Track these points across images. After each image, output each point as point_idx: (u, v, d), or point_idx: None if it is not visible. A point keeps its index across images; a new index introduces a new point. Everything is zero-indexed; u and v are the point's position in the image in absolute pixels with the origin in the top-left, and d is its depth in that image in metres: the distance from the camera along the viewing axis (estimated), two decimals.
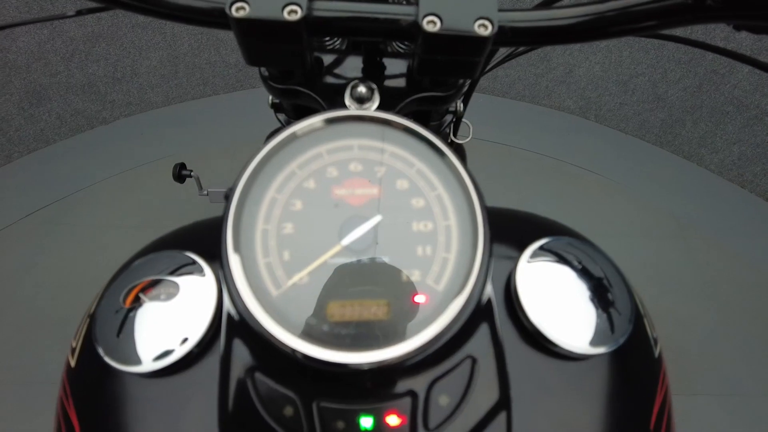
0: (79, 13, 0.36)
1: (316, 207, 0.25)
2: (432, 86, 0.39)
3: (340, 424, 0.23)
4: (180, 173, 1.35)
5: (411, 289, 0.24)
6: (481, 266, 0.24)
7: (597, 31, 0.33)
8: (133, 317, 0.29)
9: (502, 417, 0.25)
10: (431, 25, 0.29)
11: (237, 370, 0.25)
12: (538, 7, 0.37)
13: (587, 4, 0.32)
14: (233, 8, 0.29)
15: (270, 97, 0.49)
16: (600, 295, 0.30)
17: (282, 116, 0.52)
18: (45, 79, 1.81)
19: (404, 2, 0.43)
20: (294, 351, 0.22)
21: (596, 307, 0.30)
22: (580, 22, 0.31)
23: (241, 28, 0.30)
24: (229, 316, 0.27)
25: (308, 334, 0.23)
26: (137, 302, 0.29)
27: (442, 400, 0.24)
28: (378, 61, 0.40)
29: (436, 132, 0.48)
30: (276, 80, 0.40)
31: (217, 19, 0.33)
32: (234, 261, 0.23)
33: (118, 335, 0.29)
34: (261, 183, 0.25)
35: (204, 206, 1.47)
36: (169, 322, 0.28)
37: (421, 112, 0.46)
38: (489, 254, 0.24)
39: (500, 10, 0.31)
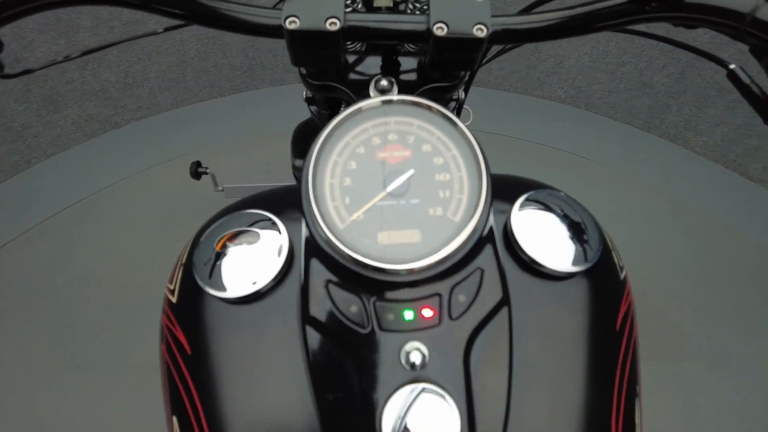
0: (167, 29, 0.46)
1: (366, 165, 0.35)
2: (439, 78, 0.48)
3: (390, 316, 0.33)
4: (196, 171, 1.45)
5: (436, 223, 0.34)
6: (485, 203, 0.34)
7: (569, 30, 0.43)
8: (224, 257, 0.38)
9: (504, 311, 0.35)
10: (440, 30, 0.39)
11: (315, 283, 0.35)
12: (521, 12, 0.47)
13: (560, 9, 0.42)
14: (287, 22, 0.39)
15: (304, 92, 0.59)
16: (575, 230, 0.40)
17: (314, 108, 0.61)
18: (61, 86, 1.91)
19: (417, 12, 0.53)
20: (357, 263, 0.32)
21: (573, 239, 0.40)
22: (556, 23, 0.41)
23: (292, 38, 0.40)
24: (308, 243, 0.36)
25: (365, 254, 0.33)
26: (226, 247, 0.39)
27: (461, 298, 0.34)
28: (394, 59, 0.50)
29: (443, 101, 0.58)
30: (314, 77, 0.49)
31: (272, 30, 0.42)
32: (314, 205, 0.33)
33: (211, 272, 0.38)
34: (326, 150, 0.35)
35: (217, 201, 1.56)
36: (253, 262, 0.38)
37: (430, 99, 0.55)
38: (490, 195, 0.34)
39: (493, 16, 0.41)
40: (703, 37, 1.93)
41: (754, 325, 1.46)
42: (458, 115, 0.62)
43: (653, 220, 1.65)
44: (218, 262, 0.39)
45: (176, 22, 0.43)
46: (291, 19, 0.39)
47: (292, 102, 1.93)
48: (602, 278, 0.41)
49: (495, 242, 0.37)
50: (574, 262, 0.39)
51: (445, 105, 0.59)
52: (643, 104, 1.92)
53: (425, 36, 0.40)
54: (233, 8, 0.42)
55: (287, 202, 0.43)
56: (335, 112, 0.62)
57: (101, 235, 1.58)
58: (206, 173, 1.42)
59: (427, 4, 0.46)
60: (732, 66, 0.44)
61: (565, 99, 1.94)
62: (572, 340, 0.37)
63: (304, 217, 0.34)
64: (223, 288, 0.37)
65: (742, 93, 0.44)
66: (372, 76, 0.48)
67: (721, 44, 1.86)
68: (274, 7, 0.44)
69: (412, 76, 0.49)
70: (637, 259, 1.33)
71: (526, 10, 0.52)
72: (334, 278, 0.34)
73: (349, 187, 0.34)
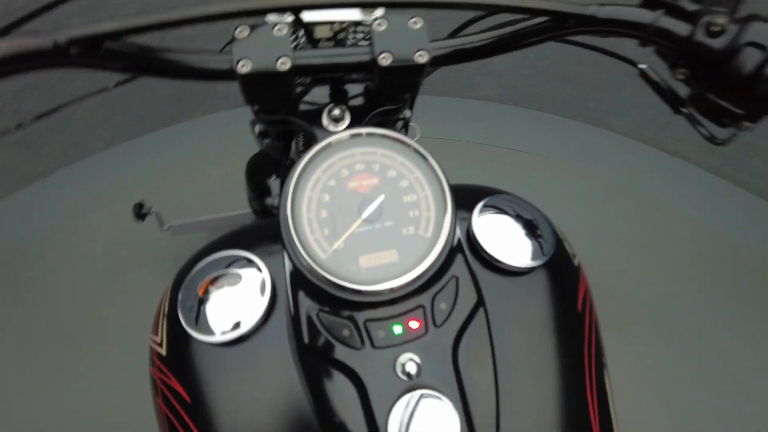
0: (118, 84, 0.46)
1: (339, 197, 0.37)
2: (387, 101, 0.51)
3: (381, 333, 0.36)
4: (140, 212, 1.40)
5: (410, 240, 0.36)
6: (451, 217, 0.37)
7: (500, 48, 0.47)
8: (209, 302, 0.39)
9: (481, 312, 0.38)
10: (384, 60, 0.42)
11: (305, 314, 0.36)
12: (452, 35, 0.51)
13: (491, 29, 0.47)
14: (239, 65, 0.41)
15: (256, 128, 0.60)
16: (530, 228, 0.44)
17: (268, 141, 0.62)
18: None
19: (358, 41, 0.56)
20: (344, 289, 0.34)
21: (529, 236, 0.44)
22: (488, 44, 0.45)
23: (245, 80, 0.42)
24: (292, 276, 0.38)
25: (350, 279, 0.35)
26: (209, 292, 0.40)
27: (442, 306, 0.37)
28: (342, 88, 0.52)
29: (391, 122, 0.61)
30: (267, 113, 0.51)
31: (225, 75, 0.44)
32: (296, 240, 0.35)
33: (197, 319, 0.39)
34: (300, 187, 0.37)
35: (165, 241, 1.52)
36: (238, 303, 0.39)
37: (380, 121, 0.58)
38: (455, 209, 0.37)
39: (431, 42, 0.44)
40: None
41: (683, 284, 1.59)
42: (406, 132, 0.65)
43: (588, 200, 1.77)
44: (203, 308, 0.40)
45: (127, 75, 0.44)
46: (242, 62, 0.40)
47: (228, 129, 1.92)
48: (559, 268, 0.45)
49: (463, 249, 0.41)
50: (533, 257, 0.43)
51: (394, 125, 0.63)
52: (567, 94, 2.05)
53: (371, 66, 0.43)
54: (183, 57, 0.43)
55: (260, 239, 0.45)
56: (289, 143, 0.64)
57: (38, 289, 1.50)
58: (150, 213, 1.38)
59: (368, 34, 0.49)
60: (642, 66, 0.50)
61: (494, 97, 2.04)
62: (542, 327, 0.41)
63: (287, 252, 0.36)
64: (212, 333, 0.39)
65: (653, 88, 0.50)
66: (323, 105, 0.50)
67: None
68: (221, 51, 0.45)
69: (361, 101, 0.51)
70: (578, 236, 1.41)
71: (454, 34, 0.56)
72: (323, 306, 0.36)
73: (326, 218, 0.36)
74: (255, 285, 0.40)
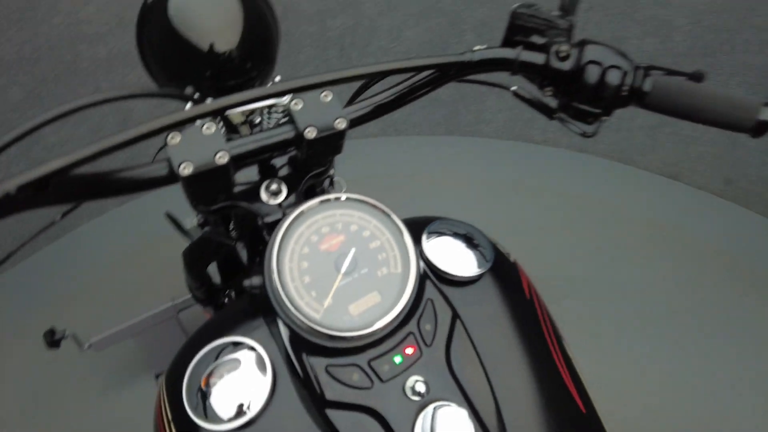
0: (65, 215, 0.46)
1: (316, 260, 0.41)
2: (315, 166, 0.56)
3: (386, 367, 0.40)
4: (53, 340, 1.29)
5: (386, 280, 0.42)
6: (414, 252, 0.43)
7: (401, 100, 0.55)
8: (214, 395, 0.41)
9: (458, 323, 0.44)
10: (310, 133, 0.47)
11: (316, 372, 0.39)
12: (352, 101, 0.58)
13: (392, 87, 0.55)
14: (181, 168, 0.43)
15: (196, 219, 0.62)
16: (469, 241, 0.52)
17: (208, 229, 0.64)
18: None
19: (273, 119, 0.60)
20: (344, 339, 0.39)
21: (471, 249, 0.51)
22: (392, 100, 0.53)
23: (188, 181, 0.44)
24: (292, 342, 0.41)
25: (346, 328, 0.39)
26: (211, 385, 0.42)
27: (427, 327, 0.42)
28: (270, 164, 0.56)
29: (321, 189, 0.66)
30: (208, 204, 0.53)
31: (166, 180, 0.46)
32: (291, 308, 0.39)
33: (206, 413, 0.41)
34: (280, 261, 0.41)
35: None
36: (244, 386, 0.41)
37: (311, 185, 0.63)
38: (414, 244, 0.44)
39: (344, 108, 0.51)
40: None
41: (571, 255, 1.81)
42: (332, 187, 0.71)
43: (484, 198, 1.95)
44: (209, 402, 0.41)
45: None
46: (183, 165, 0.43)
47: (121, 228, 1.83)
48: (502, 268, 0.53)
49: (429, 275, 0.47)
50: (480, 265, 0.51)
51: (322, 183, 0.68)
52: (440, 115, 2.25)
53: (298, 141, 0.48)
54: (124, 174, 0.45)
55: (238, 320, 0.47)
56: (228, 223, 0.66)
57: None
58: (65, 338, 1.28)
59: (284, 112, 0.54)
60: (513, 88, 0.61)
61: (376, 133, 2.18)
62: (506, 320, 0.48)
63: (283, 322, 0.40)
64: (228, 420, 0.40)
65: (526, 103, 0.61)
66: (257, 183, 0.53)
67: None
68: (154, 160, 0.47)
69: (288, 170, 0.55)
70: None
71: (354, 98, 0.63)
72: (330, 360, 0.40)
73: (310, 282, 0.41)
74: (253, 364, 0.42)
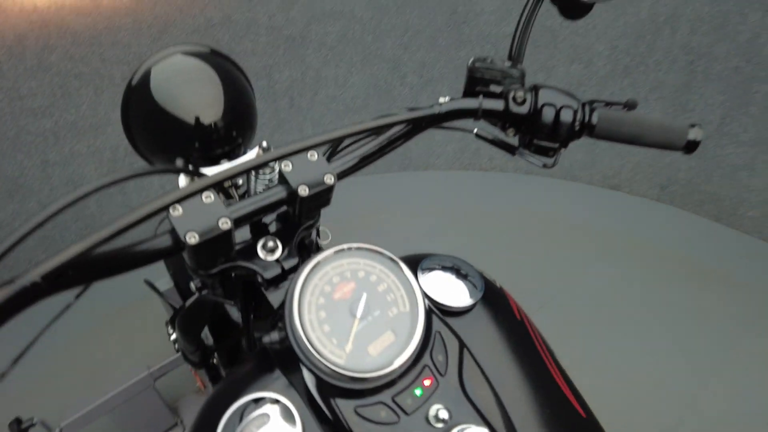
0: (78, 296, 0.47)
1: (332, 309, 0.44)
2: (306, 220, 0.60)
3: (409, 401, 0.43)
4: (20, 429, 1.22)
5: (397, 319, 0.46)
6: (419, 290, 0.47)
7: (381, 152, 0.60)
8: None
9: (465, 350, 0.48)
10: (303, 191, 0.51)
11: (347, 415, 0.42)
12: (333, 154, 0.62)
13: (374, 139, 0.59)
14: (187, 238, 0.46)
15: (193, 285, 0.63)
16: (460, 273, 0.57)
17: (206, 292, 0.66)
18: None
19: (261, 178, 0.63)
20: (369, 380, 0.42)
21: (463, 280, 0.56)
22: (373, 152, 0.58)
23: (195, 249, 0.47)
24: (320, 389, 0.43)
25: (369, 369, 0.42)
26: None
27: (440, 358, 0.46)
28: (263, 223, 0.60)
29: (310, 241, 0.69)
30: (209, 268, 0.55)
31: (173, 250, 0.48)
32: (318, 357, 0.41)
33: None
34: (301, 316, 0.44)
35: None
36: None
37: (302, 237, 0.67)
38: (422, 291, 0.48)
39: (332, 162, 0.55)
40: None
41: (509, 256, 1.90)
42: (318, 235, 0.74)
43: (444, 226, 2.02)
44: None
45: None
46: (189, 235, 0.46)
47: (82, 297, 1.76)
48: (492, 295, 0.58)
49: (434, 309, 0.51)
50: (472, 295, 0.55)
51: (310, 234, 0.71)
52: (393, 154, 2.33)
53: (292, 199, 0.52)
54: (132, 250, 0.47)
55: (258, 375, 0.49)
56: (225, 284, 0.68)
57: None
58: (33, 425, 1.21)
59: (271, 173, 0.58)
60: (475, 130, 0.68)
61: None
62: (505, 342, 0.53)
63: (309, 371, 0.42)
64: None
65: (489, 143, 0.67)
66: (252, 241, 0.56)
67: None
68: (157, 233, 0.49)
69: (277, 226, 0.58)
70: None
71: (332, 153, 0.67)
72: (357, 401, 0.43)
73: (330, 331, 0.44)
74: (280, 417, 0.45)
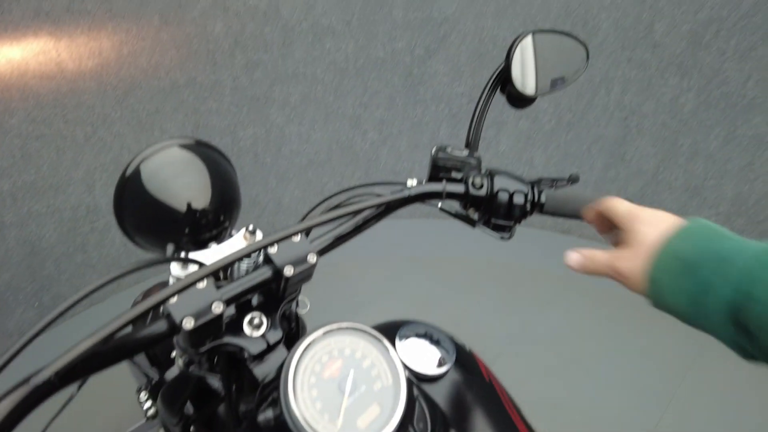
0: (81, 385, 0.49)
1: (322, 388, 0.49)
2: (288, 295, 0.65)
3: None
4: None
5: (382, 392, 0.51)
6: (400, 363, 0.53)
7: (357, 230, 0.66)
8: None
9: (441, 415, 0.54)
10: (288, 270, 0.57)
11: None
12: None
13: (342, 224, 0.66)
14: (184, 323, 0.50)
15: (181, 361, 0.66)
16: (433, 339, 0.63)
17: (193, 368, 0.68)
18: None
19: (258, 263, 0.67)
20: None
21: (437, 346, 0.62)
22: (350, 230, 0.64)
23: (191, 333, 0.51)
24: None
25: None
26: None
27: (421, 425, 0.51)
28: (249, 300, 0.64)
29: (290, 312, 0.73)
30: (199, 347, 0.59)
31: (167, 335, 0.52)
32: None
33: None
34: (296, 395, 0.48)
35: None
36: None
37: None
38: (402, 364, 0.53)
39: (312, 241, 0.61)
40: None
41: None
42: (297, 305, 0.79)
43: (408, 271, 2.08)
44: None
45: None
46: (185, 320, 0.50)
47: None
48: (463, 360, 0.64)
49: (411, 377, 0.57)
50: (446, 360, 0.62)
51: (290, 306, 0.76)
52: None
53: (277, 278, 0.57)
54: (129, 338, 0.51)
55: None
56: (212, 360, 0.71)
57: None
58: None
59: (257, 255, 0.63)
60: (439, 205, 0.76)
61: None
62: (478, 404, 0.59)
63: None
64: None
65: (453, 217, 0.75)
66: (236, 317, 0.60)
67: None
68: (150, 321, 0.53)
69: (271, 303, 0.63)
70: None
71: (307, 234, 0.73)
72: None
73: (321, 408, 0.49)
74: None
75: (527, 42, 0.70)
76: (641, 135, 2.40)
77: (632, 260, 0.49)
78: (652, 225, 0.49)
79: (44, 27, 1.79)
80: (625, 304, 2.12)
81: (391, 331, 0.63)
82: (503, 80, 0.74)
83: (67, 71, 1.90)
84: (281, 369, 0.51)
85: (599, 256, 0.53)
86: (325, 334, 0.53)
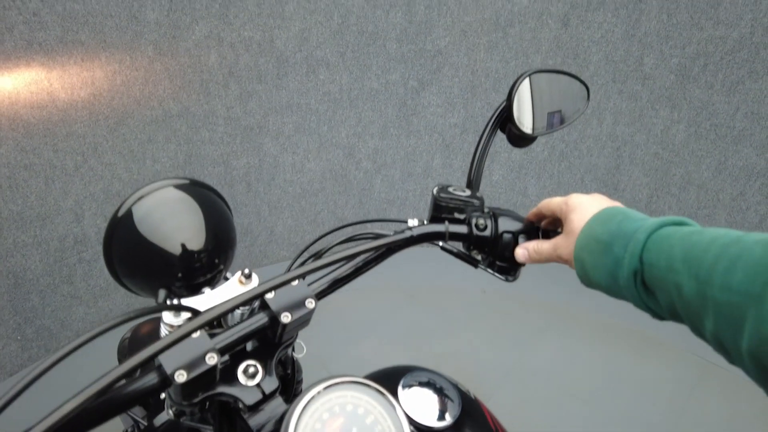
0: None
1: None
2: (285, 341, 0.62)
3: None
4: None
5: None
6: (407, 425, 0.50)
7: (358, 272, 0.64)
8: None
9: None
10: (285, 317, 0.54)
11: None
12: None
13: (341, 266, 0.63)
14: (176, 376, 0.47)
15: (171, 411, 0.62)
16: (439, 389, 0.60)
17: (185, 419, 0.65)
18: None
19: (255, 310, 0.65)
20: None
21: (442, 396, 0.59)
22: (350, 272, 0.62)
23: (183, 387, 0.48)
24: None
25: None
26: None
27: None
28: (244, 347, 0.61)
29: (286, 357, 0.70)
30: (192, 398, 0.56)
31: (159, 388, 0.49)
32: None
33: None
34: None
35: None
36: None
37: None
38: (408, 421, 0.51)
39: (310, 284, 0.58)
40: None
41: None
42: (293, 349, 0.76)
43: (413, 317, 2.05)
44: None
45: None
46: (178, 373, 0.47)
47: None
48: (469, 408, 0.61)
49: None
50: (452, 411, 0.59)
51: (287, 351, 0.73)
52: None
53: (274, 325, 0.55)
54: (120, 392, 0.47)
55: None
56: (204, 410, 0.67)
57: None
58: None
59: (258, 302, 0.60)
60: (441, 243, 0.74)
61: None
62: None
63: None
64: None
65: (454, 256, 0.73)
66: (229, 365, 0.57)
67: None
68: (140, 372, 0.50)
69: (267, 346, 0.60)
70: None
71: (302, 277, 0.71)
72: None
73: None
74: None
75: (529, 81, 0.70)
76: (634, 165, 2.42)
77: (567, 245, 0.57)
78: (580, 212, 0.56)
79: (37, 57, 1.78)
80: (620, 333, 2.11)
81: (393, 379, 0.60)
82: (503, 119, 0.73)
83: (58, 101, 1.88)
84: (279, 425, 0.48)
85: (544, 246, 0.61)
86: (326, 389, 0.50)
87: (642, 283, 0.49)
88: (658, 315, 0.51)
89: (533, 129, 0.72)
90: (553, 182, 2.53)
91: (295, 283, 0.57)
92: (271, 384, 0.57)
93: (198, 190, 0.67)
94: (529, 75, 0.70)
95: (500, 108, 0.71)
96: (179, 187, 0.65)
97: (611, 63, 2.30)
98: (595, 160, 2.47)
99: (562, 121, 0.74)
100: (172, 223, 0.63)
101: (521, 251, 0.63)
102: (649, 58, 2.24)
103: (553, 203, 0.61)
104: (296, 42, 2.20)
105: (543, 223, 0.66)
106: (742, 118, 2.16)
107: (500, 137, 0.78)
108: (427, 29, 2.31)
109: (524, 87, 0.69)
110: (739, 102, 2.15)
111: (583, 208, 0.57)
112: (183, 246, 0.62)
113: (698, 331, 0.45)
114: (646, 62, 2.25)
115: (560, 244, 0.58)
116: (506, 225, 0.64)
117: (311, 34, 2.21)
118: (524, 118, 0.71)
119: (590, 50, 2.30)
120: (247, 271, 0.65)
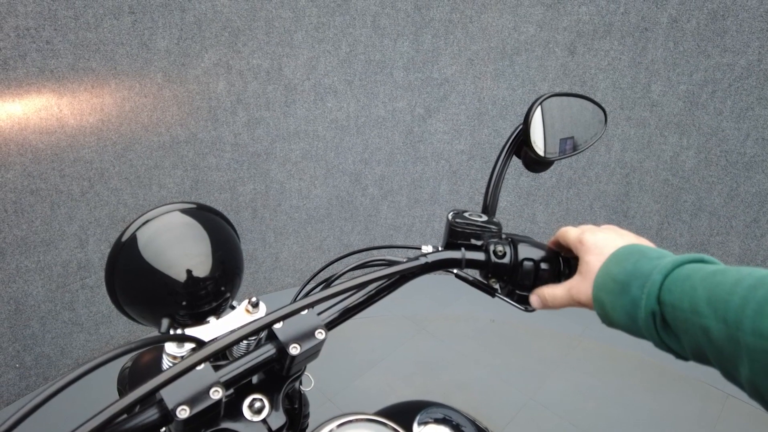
0: None
1: None
2: (293, 373, 0.59)
3: None
4: None
5: None
6: None
7: (371, 300, 0.61)
8: None
9: None
10: (294, 349, 0.51)
11: None
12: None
13: (353, 294, 0.60)
14: (178, 412, 0.44)
15: None
16: (457, 428, 0.56)
17: None
18: None
19: (262, 341, 0.62)
20: None
21: None
22: (362, 301, 0.59)
23: (185, 423, 0.45)
24: None
25: None
26: None
27: None
28: (250, 381, 0.58)
29: (293, 390, 0.67)
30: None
31: (162, 424, 0.46)
32: None
33: None
34: None
35: None
36: None
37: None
38: None
39: (319, 314, 0.55)
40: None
41: None
42: (301, 383, 0.72)
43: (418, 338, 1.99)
44: None
45: None
46: (181, 408, 0.44)
47: None
48: None
49: None
50: None
51: (294, 384, 0.69)
52: None
53: (282, 356, 0.52)
54: (120, 428, 0.44)
55: None
56: None
57: None
58: None
59: (264, 333, 0.58)
60: (455, 271, 0.71)
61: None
62: None
63: None
64: None
65: (470, 284, 0.70)
66: (234, 399, 0.54)
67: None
68: (139, 409, 0.47)
69: (274, 379, 0.57)
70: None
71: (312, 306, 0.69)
72: None
73: None
74: None
75: (546, 105, 0.68)
76: (643, 191, 2.39)
77: (584, 287, 0.55)
78: (596, 253, 0.55)
79: (47, 84, 1.80)
80: (636, 364, 2.04)
81: (408, 415, 0.56)
82: (519, 144, 0.71)
83: (67, 126, 1.89)
84: None
85: (557, 292, 0.59)
86: (339, 426, 0.47)
87: (663, 324, 0.48)
88: (682, 356, 0.49)
89: (550, 153, 0.69)
90: (561, 209, 2.50)
91: (305, 312, 0.54)
92: (278, 420, 0.54)
93: (205, 215, 0.64)
94: (546, 98, 0.69)
95: (516, 132, 0.69)
96: (186, 211, 0.63)
97: (618, 90, 2.30)
98: (604, 187, 2.45)
99: (578, 145, 0.72)
100: (178, 249, 0.61)
101: (534, 299, 0.62)
102: (657, 85, 2.24)
103: (569, 237, 0.60)
104: (304, 70, 2.22)
105: (564, 252, 0.63)
106: (753, 144, 2.15)
107: (513, 162, 0.76)
108: (434, 58, 2.33)
109: (541, 110, 0.67)
110: (749, 128, 2.14)
111: (598, 248, 0.55)
112: (189, 273, 0.60)
113: (731, 376, 0.42)
114: (654, 89, 2.25)
115: (576, 287, 0.57)
116: (527, 252, 0.61)
117: (319, 62, 2.23)
118: (541, 142, 0.68)
119: (597, 77, 2.30)
120: (254, 299, 0.62)
